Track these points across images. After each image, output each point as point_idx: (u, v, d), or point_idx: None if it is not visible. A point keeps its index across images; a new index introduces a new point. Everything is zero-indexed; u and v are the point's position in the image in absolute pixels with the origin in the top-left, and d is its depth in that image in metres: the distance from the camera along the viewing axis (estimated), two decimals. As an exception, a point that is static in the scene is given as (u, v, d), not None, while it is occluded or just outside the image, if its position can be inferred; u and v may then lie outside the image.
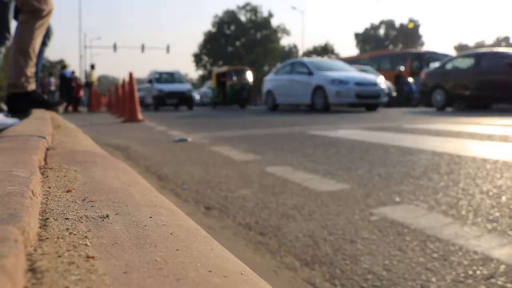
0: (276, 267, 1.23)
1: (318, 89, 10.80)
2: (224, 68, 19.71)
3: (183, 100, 17.08)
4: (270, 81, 13.19)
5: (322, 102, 10.67)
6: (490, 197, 1.81)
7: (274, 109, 12.96)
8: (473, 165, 2.51)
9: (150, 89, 17.94)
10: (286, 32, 60.37)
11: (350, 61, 18.46)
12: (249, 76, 18.86)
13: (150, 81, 18.32)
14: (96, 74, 18.52)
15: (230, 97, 18.16)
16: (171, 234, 0.51)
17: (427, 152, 3.05)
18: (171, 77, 19.05)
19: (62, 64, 17.70)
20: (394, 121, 6.52)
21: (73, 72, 16.87)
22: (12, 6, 2.83)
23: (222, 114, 11.10)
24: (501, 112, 9.11)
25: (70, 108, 16.87)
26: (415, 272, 1.13)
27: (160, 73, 18.98)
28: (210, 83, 24.17)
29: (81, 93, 18.07)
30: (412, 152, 3.08)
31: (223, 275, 0.41)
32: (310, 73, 11.28)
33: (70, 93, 16.07)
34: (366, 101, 10.60)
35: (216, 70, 20.44)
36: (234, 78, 18.41)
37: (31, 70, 2.66)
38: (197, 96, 26.24)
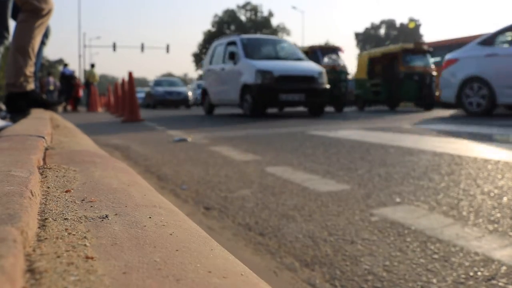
0: (276, 268, 1.23)
1: None
2: (304, 47, 12.02)
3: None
4: (482, 59, 6.35)
5: None
6: (491, 198, 1.80)
7: (487, 113, 6.82)
8: (474, 165, 2.51)
9: (240, 71, 8.56)
10: (286, 31, 60.45)
11: (438, 46, 13.39)
12: (343, 60, 11.40)
13: (247, 53, 8.72)
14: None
15: None
16: (171, 234, 0.51)
17: (427, 152, 3.05)
18: (278, 47, 9.61)
19: (64, 63, 17.71)
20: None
21: (73, 72, 16.93)
22: (10, 5, 2.82)
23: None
24: None
25: (69, 107, 16.91)
26: (415, 273, 1.13)
27: (252, 40, 9.48)
28: None
29: (81, 92, 18.10)
30: (413, 152, 3.07)
31: (222, 276, 0.41)
32: None
33: (69, 91, 16.13)
34: None
35: None
36: (325, 61, 10.92)
37: (30, 69, 2.66)
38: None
